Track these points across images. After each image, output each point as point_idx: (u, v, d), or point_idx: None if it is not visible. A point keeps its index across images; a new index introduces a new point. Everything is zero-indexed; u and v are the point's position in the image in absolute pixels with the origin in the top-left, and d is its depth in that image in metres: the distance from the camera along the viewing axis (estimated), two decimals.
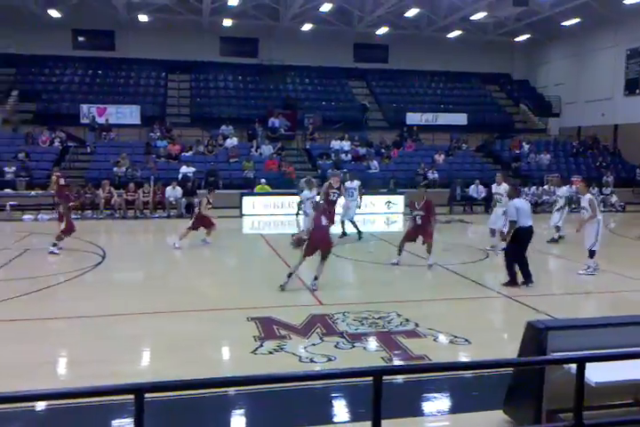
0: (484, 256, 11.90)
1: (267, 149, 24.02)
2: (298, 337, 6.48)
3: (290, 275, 8.68)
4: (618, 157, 26.65)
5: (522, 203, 9.16)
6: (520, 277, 9.13)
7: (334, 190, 13.38)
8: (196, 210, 13.27)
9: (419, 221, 10.52)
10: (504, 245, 10.57)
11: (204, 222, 12.79)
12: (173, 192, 18.76)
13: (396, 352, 6.07)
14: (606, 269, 10.37)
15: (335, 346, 6.22)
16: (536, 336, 4.41)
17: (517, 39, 31.34)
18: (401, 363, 5.72)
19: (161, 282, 9.48)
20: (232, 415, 4.83)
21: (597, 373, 3.87)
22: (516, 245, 9.02)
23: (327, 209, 10.18)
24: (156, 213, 18.84)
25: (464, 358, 6.10)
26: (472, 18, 27.13)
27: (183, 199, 18.73)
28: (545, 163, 25.03)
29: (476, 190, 20.92)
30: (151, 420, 4.47)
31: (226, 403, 4.87)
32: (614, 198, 21.54)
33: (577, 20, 27.07)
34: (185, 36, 28.75)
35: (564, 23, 27.64)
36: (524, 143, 26.44)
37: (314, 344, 6.27)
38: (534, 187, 21.59)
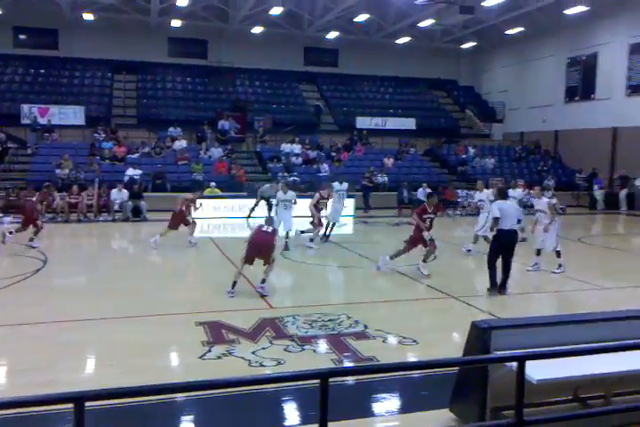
0: (432, 258, 12.10)
1: (216, 152, 23.76)
2: (247, 341, 6.42)
3: (234, 284, 8.51)
4: (558, 161, 27.69)
5: (506, 205, 8.84)
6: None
7: (324, 201, 13.33)
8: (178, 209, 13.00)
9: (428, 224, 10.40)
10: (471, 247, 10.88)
11: (183, 221, 12.78)
12: (119, 195, 18.29)
13: (345, 354, 6.09)
14: (549, 270, 10.74)
15: (285, 349, 6.19)
16: (480, 336, 4.51)
17: (463, 46, 32.19)
18: (348, 365, 5.75)
19: (106, 287, 9.22)
20: (179, 422, 4.74)
21: (538, 370, 4.00)
22: (496, 247, 8.87)
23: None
24: (100, 216, 18.33)
25: (412, 359, 6.19)
26: (420, 25, 27.67)
27: (129, 202, 18.29)
28: (489, 167, 25.75)
29: (424, 194, 21.24)
30: None
31: (172, 410, 4.78)
32: (555, 201, 22.29)
33: (520, 28, 28.03)
34: (132, 36, 28.18)
35: (507, 32, 28.57)
36: (469, 148, 27.14)
37: (263, 348, 6.22)
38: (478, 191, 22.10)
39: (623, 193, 22.71)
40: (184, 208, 12.93)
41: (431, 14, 26.12)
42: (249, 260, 8.57)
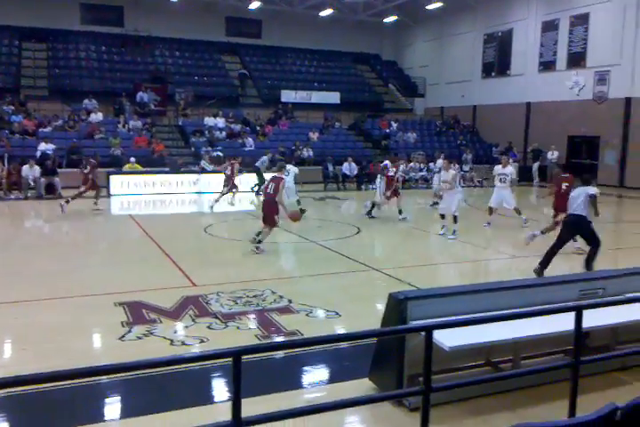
0: (355, 232, 12.33)
1: (135, 125, 22.89)
2: (169, 320, 6.33)
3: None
4: (476, 136, 28.66)
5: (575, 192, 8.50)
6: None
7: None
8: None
9: None
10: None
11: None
12: (31, 171, 17.32)
13: (268, 329, 6.14)
14: (464, 241, 11.20)
15: (208, 327, 6.16)
16: (397, 307, 4.66)
17: (386, 20, 32.34)
18: (263, 341, 5.76)
19: (19, 268, 8.78)
20: (100, 404, 4.63)
21: (451, 338, 4.19)
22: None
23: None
24: (11, 194, 17.34)
25: (335, 330, 6.32)
26: None
27: (42, 179, 17.38)
28: (411, 141, 26.30)
29: (349, 168, 21.52)
30: (5, 416, 4.18)
31: (89, 392, 4.66)
32: (473, 174, 23.19)
33: (440, 4, 28.44)
34: (41, 1, 26.34)
35: (427, 7, 28.91)
36: (392, 122, 27.55)
37: (186, 327, 6.16)
38: (403, 164, 22.56)
39: (535, 166, 23.84)
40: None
41: None
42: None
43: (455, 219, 11.64)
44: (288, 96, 28.11)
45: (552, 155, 23.51)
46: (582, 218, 8.22)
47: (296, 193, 14.65)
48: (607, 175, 21.96)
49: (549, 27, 24.82)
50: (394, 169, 14.16)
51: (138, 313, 6.55)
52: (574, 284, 5.06)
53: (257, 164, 19.17)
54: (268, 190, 9.89)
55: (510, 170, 12.98)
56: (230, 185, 15.48)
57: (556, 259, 8.44)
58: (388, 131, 26.87)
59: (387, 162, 14.49)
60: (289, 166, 14.16)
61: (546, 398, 4.45)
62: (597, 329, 4.79)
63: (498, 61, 27.79)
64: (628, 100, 21.50)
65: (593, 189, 8.35)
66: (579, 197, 8.28)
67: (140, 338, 5.81)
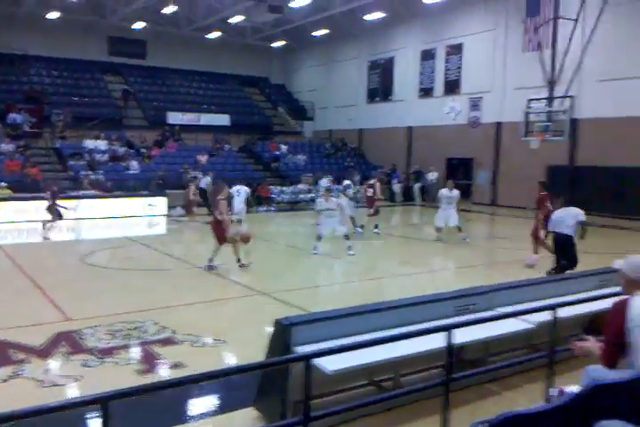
0: (243, 255, 12.18)
1: (7, 148, 21.34)
2: (39, 360, 5.84)
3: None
4: (362, 158, 29.64)
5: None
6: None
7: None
8: None
9: None
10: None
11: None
12: None
13: (150, 363, 5.84)
14: (355, 261, 11.41)
15: (83, 365, 5.74)
16: (282, 333, 4.61)
17: (274, 45, 32.86)
18: (131, 386, 5.42)
19: None
20: None
21: (333, 361, 4.20)
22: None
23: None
24: None
25: (220, 360, 6.14)
26: (230, 20, 27.59)
27: None
28: (301, 163, 26.68)
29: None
30: None
31: None
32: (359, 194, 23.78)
33: (326, 31, 29.38)
34: None
35: (314, 33, 29.77)
36: (281, 145, 27.84)
37: (58, 365, 5.71)
38: (292, 186, 22.84)
39: (417, 186, 25.05)
40: None
41: (241, 11, 26.20)
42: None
43: (346, 237, 12.01)
44: (175, 118, 27.59)
45: (432, 176, 24.81)
46: (570, 238, 8.72)
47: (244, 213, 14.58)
48: (480, 194, 23.51)
49: (427, 55, 26.41)
50: (371, 190, 14.97)
51: (3, 353, 5.99)
52: (449, 301, 5.29)
53: (201, 185, 18.98)
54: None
55: (456, 193, 13.87)
56: (54, 212, 14.59)
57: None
58: (277, 153, 27.10)
59: (374, 180, 15.37)
60: (239, 187, 15.07)
61: (423, 413, 4.56)
62: (470, 343, 5.01)
63: (381, 87, 29.08)
64: (498, 125, 23.25)
65: (582, 214, 8.89)
66: (565, 218, 8.79)
67: (5, 381, 5.31)
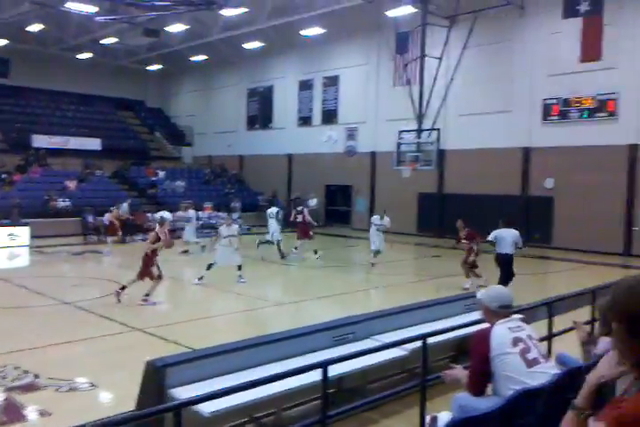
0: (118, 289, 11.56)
1: None
2: None
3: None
4: (243, 184, 29.58)
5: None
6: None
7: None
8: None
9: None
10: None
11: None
12: None
13: (10, 413, 5.28)
14: (236, 291, 11.22)
15: None
16: (154, 375, 4.39)
17: (150, 68, 32.11)
18: None
19: None
20: None
21: (211, 403, 4.05)
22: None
23: None
24: None
25: (88, 405, 5.70)
26: (102, 42, 26.61)
27: None
28: (180, 190, 26.04)
29: (109, 219, 20.34)
30: None
31: None
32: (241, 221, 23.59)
33: (204, 56, 29.25)
34: None
35: (192, 58, 29.51)
36: (159, 170, 27.03)
37: None
38: (171, 213, 22.09)
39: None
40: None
41: (114, 33, 25.39)
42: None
43: (239, 267, 12.08)
44: (41, 141, 25.85)
45: (312, 202, 25.28)
46: (511, 256, 10.36)
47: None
48: (359, 220, 24.31)
49: (305, 85, 27.13)
50: (300, 216, 16.11)
51: None
52: (327, 331, 5.34)
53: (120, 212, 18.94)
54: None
55: (387, 220, 14.78)
56: None
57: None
58: (154, 179, 26.25)
59: (302, 207, 16.42)
60: (192, 211, 17.44)
61: None
62: (349, 373, 5.09)
63: (261, 115, 29.36)
64: (373, 154, 24.30)
65: (518, 236, 10.48)
66: (507, 237, 10.22)
67: None
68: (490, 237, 10.69)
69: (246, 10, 20.32)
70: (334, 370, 4.47)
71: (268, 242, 16.47)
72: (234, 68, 30.14)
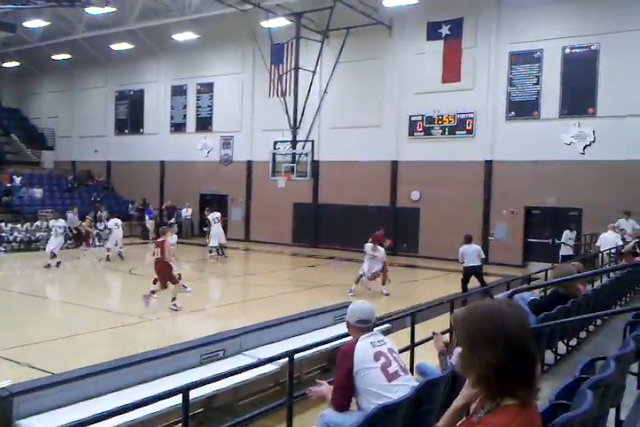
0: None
1: None
2: None
3: None
4: (112, 192, 28.10)
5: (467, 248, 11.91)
6: None
7: None
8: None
9: None
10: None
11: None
12: None
13: None
14: (95, 307, 10.56)
15: None
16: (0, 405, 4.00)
17: (5, 65, 29.59)
18: None
19: None
20: None
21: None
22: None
23: None
24: None
25: None
26: None
27: None
28: (38, 197, 24.14)
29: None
30: None
31: None
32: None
33: (67, 55, 27.49)
34: None
35: (54, 57, 27.61)
36: (14, 176, 24.87)
37: None
38: (27, 223, 20.42)
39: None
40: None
41: None
42: None
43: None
44: None
45: (186, 212, 24.63)
46: (479, 267, 11.72)
47: None
48: (236, 230, 24.05)
49: (179, 91, 26.40)
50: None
51: None
52: (196, 349, 5.18)
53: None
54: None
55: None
56: None
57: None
58: (9, 185, 24.11)
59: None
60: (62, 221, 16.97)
61: None
62: (219, 392, 4.96)
63: (131, 119, 28.11)
64: (249, 163, 24.18)
65: (481, 250, 12.01)
66: (472, 252, 11.63)
67: None
68: (459, 256, 11.96)
69: (113, 9, 19.39)
70: (202, 390, 4.34)
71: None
72: (100, 69, 28.56)
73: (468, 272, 11.84)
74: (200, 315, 10.81)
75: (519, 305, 1.91)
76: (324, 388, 3.43)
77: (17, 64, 29.50)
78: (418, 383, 3.10)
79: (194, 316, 10.65)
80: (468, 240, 12.03)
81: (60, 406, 4.32)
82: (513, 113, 18.23)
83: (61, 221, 16.77)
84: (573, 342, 6.10)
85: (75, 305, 11.03)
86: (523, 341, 1.67)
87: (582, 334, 6.30)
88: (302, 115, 19.68)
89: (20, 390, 4.12)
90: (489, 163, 18.71)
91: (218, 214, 19.01)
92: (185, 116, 26.26)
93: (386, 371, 3.18)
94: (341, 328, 6.13)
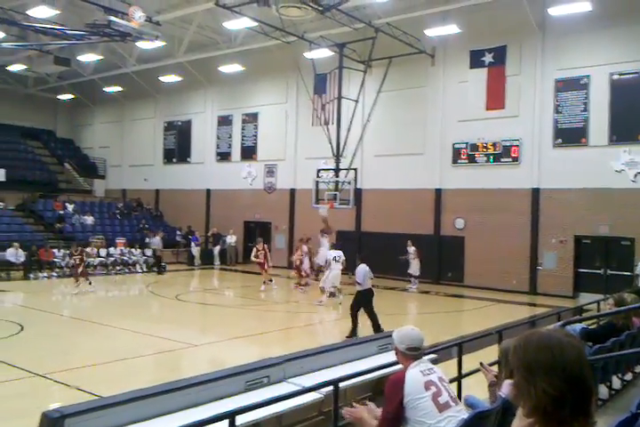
0: (17, 330, 10.77)
1: None
2: None
3: None
4: (160, 219, 28.78)
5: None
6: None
7: None
8: None
9: None
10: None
11: None
12: None
13: None
14: (141, 331, 10.71)
15: None
16: None
17: (61, 97, 31.05)
18: None
19: None
20: None
21: None
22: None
23: None
24: None
25: None
26: (10, 68, 25.52)
27: None
28: (90, 224, 24.93)
29: (15, 254, 19.16)
30: None
31: None
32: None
33: (119, 88, 28.68)
34: None
35: (106, 89, 28.83)
36: (67, 204, 25.80)
37: None
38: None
39: (216, 249, 24.93)
40: None
41: (22, 59, 24.44)
42: None
43: None
44: None
45: (231, 239, 24.96)
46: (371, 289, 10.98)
47: None
48: (279, 257, 24.13)
49: (225, 121, 27.11)
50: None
51: None
52: (240, 375, 5.18)
53: None
54: None
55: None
56: None
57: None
58: (62, 213, 25.01)
59: None
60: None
61: None
62: (264, 418, 4.93)
63: (178, 149, 28.93)
64: (292, 191, 24.45)
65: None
66: (365, 274, 10.84)
67: None
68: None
69: (163, 43, 20.20)
70: (248, 417, 4.33)
71: None
72: (150, 100, 29.68)
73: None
74: (241, 341, 10.81)
75: (575, 335, 1.87)
76: (362, 411, 3.34)
77: (71, 96, 30.90)
78: (468, 415, 3.02)
79: (235, 342, 10.68)
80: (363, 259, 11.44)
81: None
82: (560, 140, 17.92)
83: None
84: (628, 376, 5.84)
85: (120, 329, 11.20)
86: (581, 370, 1.63)
87: (638, 369, 6.03)
88: (345, 143, 19.88)
89: (71, 411, 4.19)
90: (536, 191, 18.35)
91: (339, 253, 15.40)
92: (230, 145, 26.87)
93: (436, 401, 3.11)
94: (385, 358, 6.08)
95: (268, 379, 5.38)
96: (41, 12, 17.43)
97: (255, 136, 26.01)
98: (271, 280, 17.75)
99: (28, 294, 14.75)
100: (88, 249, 20.16)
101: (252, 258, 17.69)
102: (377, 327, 10.51)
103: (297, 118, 24.30)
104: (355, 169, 19.30)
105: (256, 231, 26.08)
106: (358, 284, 10.92)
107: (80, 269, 16.49)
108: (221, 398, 4.92)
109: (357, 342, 6.63)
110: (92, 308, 14.49)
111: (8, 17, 17.99)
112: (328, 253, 15.64)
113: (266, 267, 17.58)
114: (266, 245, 18.26)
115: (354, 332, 10.57)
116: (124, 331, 11.14)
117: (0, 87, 28.55)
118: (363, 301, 10.75)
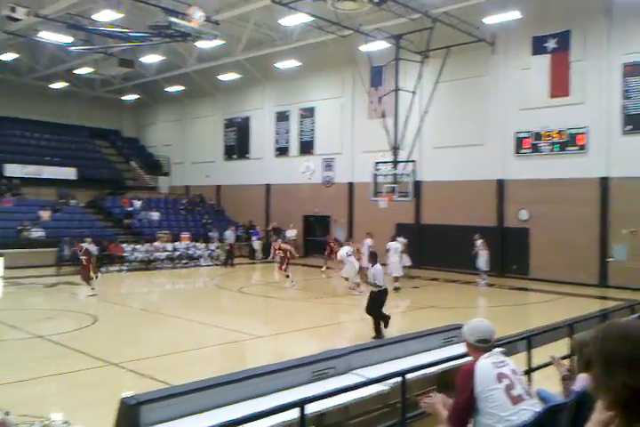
0: (92, 322, 11.32)
1: None
2: None
3: None
4: (222, 214, 29.45)
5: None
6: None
7: None
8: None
9: None
10: None
11: None
12: None
13: None
14: (207, 323, 11.03)
15: None
16: (128, 413, 4.29)
17: (125, 98, 32.17)
18: None
19: None
20: None
21: None
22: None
23: None
24: None
25: None
26: (77, 72, 26.63)
27: None
28: (155, 220, 25.81)
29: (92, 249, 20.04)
30: None
31: None
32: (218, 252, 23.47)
33: (180, 87, 29.45)
34: None
35: (168, 89, 29.67)
36: (134, 200, 26.80)
37: None
38: (147, 244, 21.90)
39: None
40: None
41: (89, 63, 25.46)
42: None
43: None
44: (13, 170, 25.54)
45: (291, 233, 25.24)
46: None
47: None
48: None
49: (282, 117, 27.39)
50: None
51: None
52: (306, 366, 5.28)
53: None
54: None
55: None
56: None
57: None
58: (130, 209, 26.01)
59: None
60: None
61: None
62: (330, 409, 5.01)
63: (238, 145, 29.48)
64: (350, 185, 24.47)
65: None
66: (382, 274, 10.40)
67: None
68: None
69: (221, 42, 20.57)
70: (314, 407, 4.42)
71: None
72: (210, 98, 30.34)
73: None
74: (305, 333, 10.96)
75: None
76: (438, 401, 3.36)
77: (135, 97, 31.98)
78: (541, 408, 2.98)
79: (298, 334, 10.84)
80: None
81: (183, 416, 4.54)
82: (630, 126, 17.12)
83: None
84: None
85: (188, 321, 11.58)
86: None
87: None
88: (403, 135, 19.70)
89: (146, 399, 4.40)
90: (605, 180, 17.61)
91: (398, 245, 16.81)
92: (288, 140, 27.13)
93: (509, 393, 3.08)
94: (450, 351, 6.04)
95: (334, 370, 5.46)
96: (105, 16, 18.07)
97: (312, 131, 26.15)
98: (287, 276, 16.78)
99: (100, 287, 15.43)
100: (156, 243, 20.92)
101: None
102: (378, 331, 9.96)
103: (353, 112, 24.25)
104: (413, 161, 19.10)
105: (315, 225, 26.31)
106: (378, 286, 10.22)
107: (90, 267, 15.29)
108: (287, 389, 5.02)
109: (422, 335, 6.61)
110: (160, 300, 15.03)
111: (75, 22, 18.76)
112: (341, 249, 16.28)
113: (283, 267, 16.75)
114: (282, 244, 17.53)
115: (379, 332, 10.00)
116: (191, 322, 11.52)
117: (69, 90, 29.87)
118: (379, 301, 10.19)
